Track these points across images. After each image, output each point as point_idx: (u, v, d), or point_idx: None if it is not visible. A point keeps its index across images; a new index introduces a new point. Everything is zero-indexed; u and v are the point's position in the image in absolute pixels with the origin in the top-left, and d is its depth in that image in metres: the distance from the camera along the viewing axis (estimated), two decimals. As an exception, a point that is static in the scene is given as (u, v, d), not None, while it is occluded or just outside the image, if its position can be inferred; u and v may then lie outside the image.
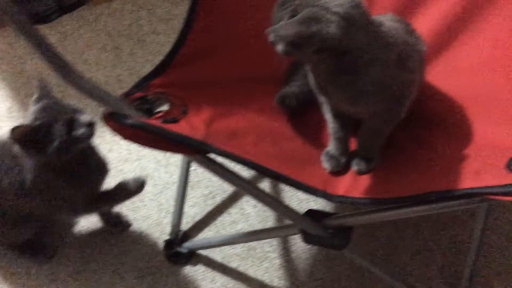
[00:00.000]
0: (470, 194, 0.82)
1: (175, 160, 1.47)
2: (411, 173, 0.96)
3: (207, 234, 1.37)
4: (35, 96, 1.07)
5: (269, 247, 1.35)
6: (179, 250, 1.31)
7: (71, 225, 1.36)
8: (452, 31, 1.11)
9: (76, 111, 1.06)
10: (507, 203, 1.36)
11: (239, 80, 1.06)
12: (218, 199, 1.43)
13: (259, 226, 1.38)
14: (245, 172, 1.35)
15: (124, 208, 1.39)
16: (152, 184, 1.44)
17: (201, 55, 1.02)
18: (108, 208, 1.33)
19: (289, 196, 1.41)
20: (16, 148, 1.05)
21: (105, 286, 1.29)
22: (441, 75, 1.09)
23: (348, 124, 1.03)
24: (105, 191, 1.20)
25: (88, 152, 1.13)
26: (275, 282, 1.30)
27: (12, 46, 1.67)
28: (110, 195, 1.20)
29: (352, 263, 1.30)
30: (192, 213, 1.40)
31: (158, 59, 1.26)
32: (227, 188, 1.44)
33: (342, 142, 1.03)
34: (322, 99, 1.02)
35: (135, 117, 0.81)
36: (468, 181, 0.84)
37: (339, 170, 1.03)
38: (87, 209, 1.21)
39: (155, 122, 0.84)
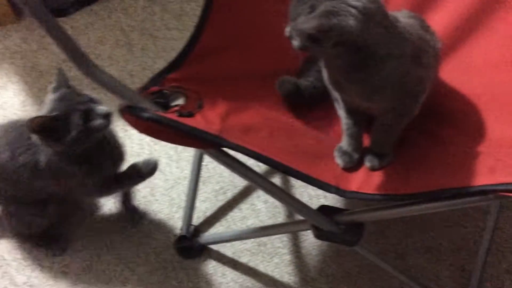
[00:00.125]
0: (484, 191, 0.82)
1: (187, 155, 1.48)
2: (424, 169, 0.97)
3: (218, 229, 1.38)
4: (52, 86, 1.08)
5: (280, 243, 1.35)
6: (190, 244, 1.32)
7: (88, 214, 1.37)
8: (466, 28, 1.11)
9: (93, 101, 1.08)
10: (518, 201, 1.36)
11: (254, 75, 1.06)
12: (229, 195, 1.43)
13: (269, 222, 1.39)
14: (256, 167, 1.35)
15: (136, 203, 1.40)
16: (164, 179, 1.45)
17: (216, 50, 1.03)
18: (125, 191, 1.33)
19: (299, 192, 1.42)
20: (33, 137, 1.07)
21: (117, 279, 1.30)
22: (455, 72, 1.09)
23: (362, 120, 1.04)
24: (117, 175, 1.21)
25: (104, 141, 1.14)
26: (285, 277, 1.31)
27: (26, 40, 1.69)
28: (122, 178, 1.21)
29: (362, 259, 1.31)
30: (203, 208, 1.41)
31: (170, 54, 1.26)
32: (238, 184, 1.45)
33: (355, 138, 1.04)
34: (335, 94, 1.02)
35: (152, 110, 0.81)
36: (482, 178, 0.84)
37: (352, 166, 1.04)
38: (100, 193, 1.24)
39: (171, 115, 0.84)
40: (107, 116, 1.07)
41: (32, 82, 1.60)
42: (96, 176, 1.15)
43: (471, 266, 1.29)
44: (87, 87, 1.13)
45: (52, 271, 1.31)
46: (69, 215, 1.31)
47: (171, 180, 1.45)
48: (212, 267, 1.32)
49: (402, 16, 0.95)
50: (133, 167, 1.21)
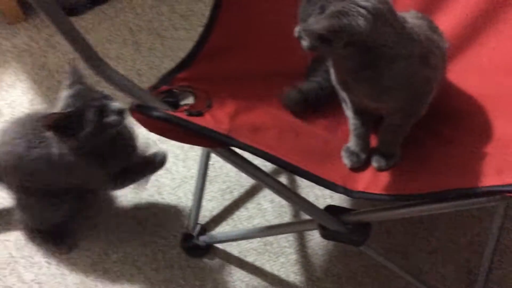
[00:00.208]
0: (492, 192, 0.83)
1: (193, 154, 1.49)
2: (431, 170, 0.97)
3: (225, 228, 1.39)
4: (67, 82, 1.09)
5: (286, 242, 1.36)
6: (196, 243, 1.33)
7: (102, 208, 1.39)
8: (474, 30, 1.11)
9: (107, 97, 1.09)
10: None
11: (262, 75, 1.07)
12: (236, 194, 1.44)
13: (275, 221, 1.39)
14: (262, 167, 1.36)
15: (143, 201, 1.41)
16: (171, 178, 1.45)
17: (225, 50, 1.03)
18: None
19: (305, 192, 1.42)
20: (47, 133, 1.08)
21: (124, 277, 1.31)
22: (463, 73, 1.09)
23: (369, 121, 1.04)
24: (130, 166, 1.22)
25: (117, 136, 1.14)
26: (291, 277, 1.31)
27: (34, 39, 1.70)
28: (135, 170, 1.23)
29: (368, 259, 1.31)
30: (209, 207, 1.41)
31: (177, 54, 1.26)
32: (245, 183, 1.45)
33: (363, 138, 1.04)
34: (343, 95, 1.03)
35: (161, 109, 0.82)
36: (489, 178, 0.84)
37: (359, 166, 1.04)
38: (113, 185, 1.25)
39: (180, 114, 0.85)
40: (121, 113, 1.08)
41: (41, 80, 1.61)
42: (109, 169, 1.17)
43: (476, 267, 1.29)
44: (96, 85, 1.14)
45: (60, 269, 1.32)
46: (82, 209, 1.32)
47: (178, 179, 1.46)
48: (218, 266, 1.32)
49: (410, 16, 0.95)
50: (145, 158, 1.22)
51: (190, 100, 0.93)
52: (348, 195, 0.99)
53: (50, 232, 1.31)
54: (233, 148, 0.90)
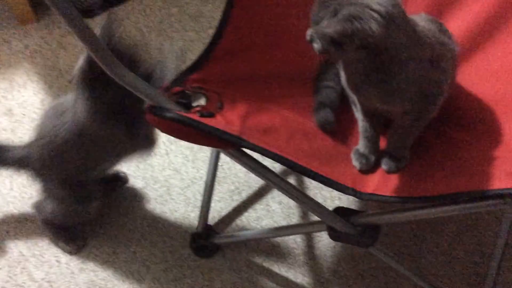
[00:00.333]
0: (502, 195, 0.83)
1: (202, 155, 1.50)
2: (441, 172, 0.97)
3: (233, 229, 1.39)
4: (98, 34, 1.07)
5: (294, 244, 1.37)
6: (205, 244, 1.34)
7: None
8: (484, 33, 1.11)
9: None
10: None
11: (274, 76, 1.08)
12: (244, 195, 1.45)
13: (283, 223, 1.40)
14: (271, 168, 1.37)
15: (153, 201, 1.42)
16: (180, 179, 1.46)
17: (237, 51, 1.04)
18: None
19: (313, 194, 1.43)
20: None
21: (133, 276, 1.32)
22: (473, 76, 1.10)
23: (379, 123, 1.04)
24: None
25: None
26: (299, 278, 1.32)
27: (45, 40, 1.71)
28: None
29: (376, 261, 1.32)
30: (218, 208, 1.42)
31: (187, 56, 1.25)
32: (253, 184, 1.46)
33: (372, 140, 1.05)
34: (353, 97, 1.03)
35: (174, 111, 0.83)
36: (500, 181, 0.85)
37: (369, 168, 1.04)
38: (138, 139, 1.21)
39: (193, 116, 0.86)
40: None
41: (52, 81, 1.63)
42: (132, 125, 1.15)
43: (484, 270, 1.29)
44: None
45: (70, 268, 1.33)
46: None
47: (187, 179, 1.47)
48: (226, 267, 1.33)
49: (420, 19, 0.95)
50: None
51: (202, 101, 0.94)
52: (357, 197, 0.99)
53: (61, 230, 1.32)
54: (243, 149, 0.91)
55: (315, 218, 1.09)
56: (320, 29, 0.82)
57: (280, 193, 1.41)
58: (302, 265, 1.34)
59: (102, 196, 1.30)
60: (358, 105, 1.04)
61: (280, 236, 1.37)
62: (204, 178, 1.40)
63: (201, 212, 1.36)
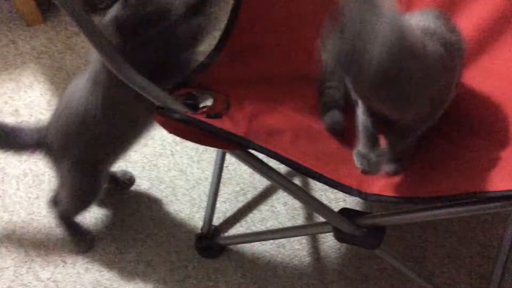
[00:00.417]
0: (508, 197, 0.83)
1: (207, 156, 1.50)
2: (447, 173, 0.97)
3: (238, 230, 1.40)
4: None
5: (299, 245, 1.37)
6: (210, 244, 1.34)
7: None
8: (490, 34, 1.10)
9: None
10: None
11: (280, 78, 1.08)
12: (249, 196, 1.45)
13: (288, 224, 1.40)
14: (276, 169, 1.37)
15: (158, 202, 1.42)
16: (185, 179, 1.47)
17: (243, 53, 1.05)
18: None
19: (318, 195, 1.43)
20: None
21: (139, 277, 1.32)
22: (478, 78, 1.09)
23: (380, 122, 1.03)
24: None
25: None
26: (304, 279, 1.32)
27: (52, 41, 1.72)
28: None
29: (381, 263, 1.32)
30: (223, 209, 1.43)
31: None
32: (258, 186, 1.46)
33: (372, 138, 1.03)
34: (355, 97, 1.03)
35: (182, 111, 0.84)
36: (506, 183, 0.85)
37: (371, 169, 1.04)
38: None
39: (199, 117, 0.86)
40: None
41: (58, 82, 1.64)
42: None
43: (489, 273, 1.29)
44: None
45: (76, 268, 1.33)
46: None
47: (192, 180, 1.47)
48: (231, 267, 1.34)
49: (428, 16, 0.95)
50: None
51: (208, 102, 0.94)
52: (363, 198, 0.99)
53: (76, 226, 1.34)
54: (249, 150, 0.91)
55: (320, 219, 1.09)
56: (327, 46, 0.79)
57: (285, 194, 1.42)
58: (307, 267, 1.34)
59: (108, 183, 1.30)
60: (360, 105, 1.03)
61: (285, 237, 1.37)
62: (210, 179, 1.41)
63: (206, 213, 1.36)
